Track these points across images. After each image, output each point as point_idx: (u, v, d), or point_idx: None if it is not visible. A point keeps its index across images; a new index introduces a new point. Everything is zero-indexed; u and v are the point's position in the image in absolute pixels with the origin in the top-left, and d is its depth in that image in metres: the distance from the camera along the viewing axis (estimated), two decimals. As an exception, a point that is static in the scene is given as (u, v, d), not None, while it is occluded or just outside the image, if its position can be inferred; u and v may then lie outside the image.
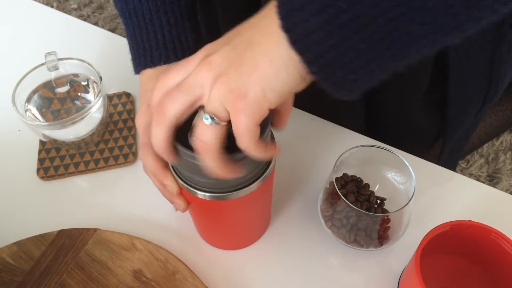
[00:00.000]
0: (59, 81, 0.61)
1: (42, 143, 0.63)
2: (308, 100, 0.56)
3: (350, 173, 0.53)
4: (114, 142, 0.63)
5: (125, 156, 0.61)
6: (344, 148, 0.50)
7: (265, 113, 0.34)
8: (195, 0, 0.54)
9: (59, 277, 0.51)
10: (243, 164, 0.38)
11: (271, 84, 0.33)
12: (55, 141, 0.60)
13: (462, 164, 1.36)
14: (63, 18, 0.79)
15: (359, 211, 0.46)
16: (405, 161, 0.49)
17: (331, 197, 0.49)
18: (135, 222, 0.56)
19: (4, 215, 0.58)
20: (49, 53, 0.59)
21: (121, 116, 0.65)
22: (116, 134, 0.63)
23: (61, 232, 0.54)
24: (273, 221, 0.56)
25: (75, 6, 1.83)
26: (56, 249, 0.52)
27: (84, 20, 1.04)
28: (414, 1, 0.28)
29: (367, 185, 0.53)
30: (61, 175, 0.60)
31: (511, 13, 0.30)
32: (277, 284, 0.52)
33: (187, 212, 0.51)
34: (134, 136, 0.63)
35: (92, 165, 0.61)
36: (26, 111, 0.58)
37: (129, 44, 0.53)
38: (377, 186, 0.54)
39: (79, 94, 0.62)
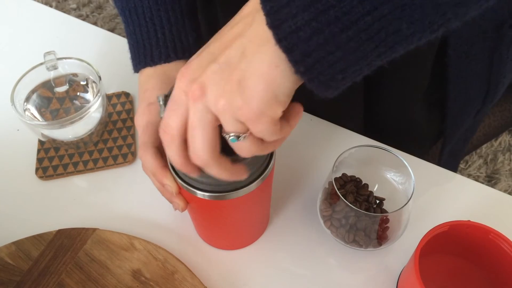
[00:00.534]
0: (58, 80, 0.61)
1: (41, 142, 0.62)
2: (307, 100, 0.56)
3: (349, 173, 0.53)
4: (113, 142, 0.62)
5: (124, 156, 0.61)
6: (343, 148, 0.51)
7: (280, 114, 0.33)
8: None
9: (58, 277, 0.51)
10: (249, 164, 0.39)
11: (280, 89, 0.32)
12: (54, 140, 0.60)
13: (461, 164, 1.36)
14: (62, 18, 0.79)
15: (358, 211, 0.46)
16: (404, 161, 0.49)
17: (330, 197, 0.49)
18: (134, 222, 0.56)
19: (3, 214, 0.58)
20: (48, 53, 0.59)
21: (120, 116, 0.65)
22: (115, 133, 0.63)
23: (60, 232, 0.53)
24: (272, 221, 0.56)
25: (74, 6, 1.83)
26: (55, 248, 0.52)
27: (83, 20, 1.04)
28: None
29: (366, 185, 0.53)
30: (60, 175, 0.60)
31: (510, 13, 0.30)
32: (276, 284, 0.52)
33: (186, 212, 0.51)
34: (133, 136, 0.63)
35: (91, 164, 0.61)
36: (25, 110, 0.58)
37: (129, 42, 0.53)
38: (376, 186, 0.54)
39: (78, 93, 0.61)
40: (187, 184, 0.42)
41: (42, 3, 1.17)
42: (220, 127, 0.35)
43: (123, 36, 0.73)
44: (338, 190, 0.47)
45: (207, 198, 0.42)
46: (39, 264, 0.51)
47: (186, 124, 0.35)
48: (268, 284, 0.52)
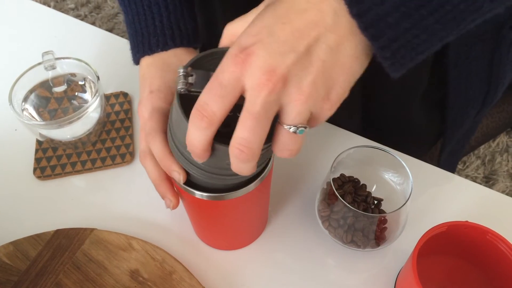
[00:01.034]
0: (56, 80, 0.61)
1: (39, 142, 0.62)
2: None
3: (347, 173, 0.53)
4: (111, 141, 0.62)
5: (122, 156, 0.61)
6: (342, 149, 0.51)
7: None
8: None
9: (56, 277, 0.51)
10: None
11: (355, 79, 0.32)
12: (52, 140, 0.60)
13: (458, 165, 1.36)
14: (60, 18, 0.78)
15: (356, 211, 0.46)
16: (402, 162, 0.49)
17: (328, 197, 0.49)
18: (132, 222, 0.56)
19: (1, 214, 0.57)
20: (46, 53, 0.59)
21: (118, 116, 0.65)
22: (113, 133, 0.63)
23: (58, 232, 0.53)
24: (271, 221, 0.56)
25: (72, 5, 1.82)
26: (53, 249, 0.52)
27: (82, 20, 1.04)
28: None
29: (364, 186, 0.53)
30: (58, 175, 0.60)
31: (510, 14, 0.31)
32: (274, 284, 0.52)
33: (185, 212, 0.51)
34: (131, 136, 0.63)
35: (89, 164, 0.60)
36: (23, 110, 0.58)
37: (128, 33, 0.53)
38: (374, 186, 0.54)
39: (76, 93, 0.61)
40: (186, 184, 0.42)
41: (40, 3, 1.17)
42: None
43: (122, 36, 0.73)
44: (336, 191, 0.47)
45: (205, 199, 0.42)
46: (37, 264, 0.51)
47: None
48: (266, 284, 0.52)
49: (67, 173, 0.60)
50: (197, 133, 0.33)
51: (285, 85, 0.30)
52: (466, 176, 1.33)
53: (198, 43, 0.53)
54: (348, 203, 0.46)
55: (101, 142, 0.62)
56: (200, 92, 0.33)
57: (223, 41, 0.39)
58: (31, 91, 0.60)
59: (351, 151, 0.50)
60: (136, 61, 0.52)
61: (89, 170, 0.60)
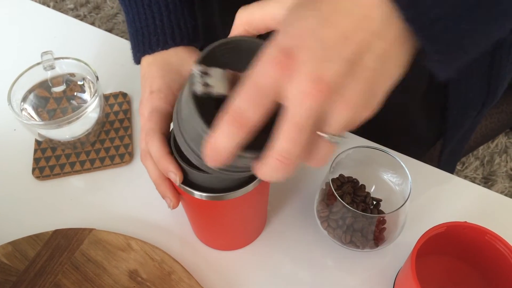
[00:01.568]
0: (55, 80, 0.61)
1: (37, 142, 0.62)
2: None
3: (346, 174, 0.53)
4: (110, 142, 0.62)
5: (121, 156, 0.61)
6: (341, 149, 0.51)
7: None
8: None
9: (54, 277, 0.51)
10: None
11: (394, 83, 0.31)
12: (50, 140, 0.60)
13: (457, 166, 1.36)
14: (59, 18, 0.78)
15: (355, 212, 0.46)
16: (401, 162, 0.49)
17: (327, 198, 0.49)
18: (130, 222, 0.56)
19: (-1, 214, 0.57)
20: (46, 53, 0.59)
21: (117, 116, 0.65)
22: (112, 134, 0.63)
23: (56, 232, 0.53)
24: (270, 222, 0.56)
25: (71, 6, 1.82)
26: (51, 249, 0.52)
27: (81, 20, 1.04)
28: None
29: (363, 186, 0.53)
30: (57, 175, 0.60)
31: None
32: (273, 284, 0.52)
33: (183, 212, 0.51)
34: (131, 136, 0.63)
35: (88, 165, 0.60)
36: (22, 110, 0.58)
37: (129, 32, 0.53)
38: (373, 187, 0.54)
39: (75, 93, 0.61)
40: (185, 184, 0.42)
41: (39, 3, 1.17)
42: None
43: (121, 37, 0.73)
44: (335, 191, 0.47)
45: (204, 199, 0.42)
46: (35, 264, 0.51)
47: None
48: (265, 284, 0.52)
49: (66, 173, 0.60)
50: (226, 140, 0.30)
51: (331, 94, 0.28)
52: (465, 177, 1.33)
53: (198, 42, 0.53)
54: (347, 204, 0.46)
55: (100, 142, 0.62)
56: (221, 95, 0.32)
57: (236, 29, 0.37)
58: (30, 91, 0.60)
59: (350, 151, 0.50)
60: (137, 60, 0.52)
61: (88, 170, 0.60)
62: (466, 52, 0.30)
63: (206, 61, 0.34)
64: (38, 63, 0.59)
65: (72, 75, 0.61)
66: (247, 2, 0.39)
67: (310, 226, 0.55)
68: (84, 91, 0.61)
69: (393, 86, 0.31)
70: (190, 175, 0.41)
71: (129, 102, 0.66)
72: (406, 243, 0.51)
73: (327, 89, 0.28)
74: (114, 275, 0.51)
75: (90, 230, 0.53)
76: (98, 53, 0.73)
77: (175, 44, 0.50)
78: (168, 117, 0.45)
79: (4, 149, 0.63)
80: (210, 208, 0.44)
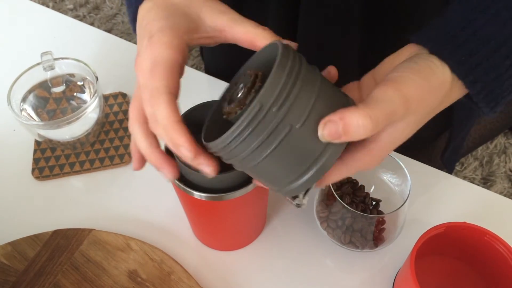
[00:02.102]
0: (55, 81, 0.61)
1: (37, 143, 0.62)
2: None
3: (345, 174, 0.53)
4: (109, 142, 0.62)
5: (121, 157, 0.61)
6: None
7: None
8: None
9: (54, 277, 0.51)
10: None
11: None
12: (50, 141, 0.60)
13: (456, 166, 1.36)
14: (59, 18, 0.78)
15: (354, 212, 0.46)
16: (400, 163, 0.49)
17: (327, 198, 0.49)
18: (130, 222, 0.56)
19: (-1, 215, 0.57)
20: (45, 53, 0.59)
21: (117, 116, 0.65)
22: (111, 134, 0.63)
23: (56, 232, 0.53)
24: (269, 222, 0.56)
25: (71, 6, 1.82)
26: (51, 249, 0.52)
27: (80, 20, 1.04)
28: None
29: (363, 187, 0.53)
30: (56, 175, 0.60)
31: None
32: (272, 285, 0.52)
33: (183, 212, 0.51)
34: (130, 137, 0.63)
35: (87, 165, 0.60)
36: (21, 110, 0.58)
37: None
38: (373, 187, 0.54)
39: (75, 94, 0.61)
40: (184, 184, 0.42)
41: (39, 3, 1.17)
42: None
43: (120, 37, 0.73)
44: (335, 192, 0.47)
45: (204, 199, 0.42)
46: (35, 264, 0.51)
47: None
48: (264, 285, 0.52)
49: (66, 174, 0.60)
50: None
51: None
52: (464, 178, 1.33)
53: None
54: (347, 204, 0.46)
55: (99, 143, 0.62)
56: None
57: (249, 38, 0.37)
58: (29, 92, 0.60)
59: (349, 152, 0.50)
60: (133, 16, 0.43)
61: (88, 170, 0.60)
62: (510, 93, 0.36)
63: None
64: (38, 64, 0.59)
65: (72, 75, 0.61)
66: None
67: (310, 227, 0.55)
68: (83, 92, 0.61)
69: None
70: (189, 176, 0.42)
71: (128, 103, 0.66)
72: (405, 244, 0.51)
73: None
74: (113, 275, 0.51)
75: (90, 230, 0.53)
76: (97, 54, 0.73)
77: None
78: (176, 70, 0.36)
79: (4, 150, 0.63)
80: (210, 209, 0.44)
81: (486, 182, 1.33)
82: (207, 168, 0.35)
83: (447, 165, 0.75)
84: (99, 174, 0.61)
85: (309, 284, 0.52)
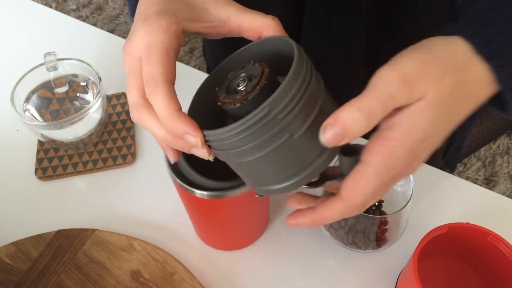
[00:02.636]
0: (58, 81, 0.61)
1: (40, 143, 0.62)
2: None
3: (348, 175, 0.53)
4: (112, 142, 0.63)
5: (124, 157, 0.61)
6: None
7: None
8: None
9: (57, 277, 0.51)
10: None
11: None
12: (53, 141, 0.60)
13: (459, 167, 1.36)
14: (62, 19, 0.79)
15: (357, 213, 0.46)
16: (403, 163, 0.49)
17: (330, 198, 0.49)
18: (133, 222, 0.56)
19: (2, 215, 0.57)
20: (48, 53, 0.59)
21: (119, 116, 0.65)
22: (114, 134, 0.63)
23: (59, 232, 0.53)
24: (272, 221, 0.56)
25: (74, 7, 1.83)
26: (54, 249, 0.52)
27: (83, 21, 1.04)
28: None
29: (365, 187, 0.53)
30: (59, 175, 0.60)
31: None
32: (274, 284, 0.52)
33: (186, 212, 0.51)
34: (133, 137, 0.63)
35: (90, 165, 0.61)
36: (24, 111, 0.58)
37: None
38: (375, 188, 0.54)
39: (78, 94, 0.62)
40: (186, 183, 0.42)
41: (41, 4, 1.18)
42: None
43: (123, 37, 0.73)
44: (337, 192, 0.47)
45: (205, 198, 0.42)
46: (38, 264, 0.51)
47: None
48: (267, 284, 0.52)
49: (69, 174, 0.60)
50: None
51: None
52: (467, 178, 1.33)
53: None
54: (349, 205, 0.46)
55: (102, 143, 0.63)
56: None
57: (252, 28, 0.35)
58: (33, 92, 0.60)
59: (352, 152, 0.50)
60: (133, 11, 0.41)
61: (91, 170, 0.60)
62: None
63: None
64: (41, 64, 0.59)
65: (75, 76, 0.61)
66: None
67: (312, 227, 0.55)
68: (86, 92, 0.62)
69: None
70: (191, 177, 0.42)
71: (131, 103, 0.66)
72: (408, 244, 0.51)
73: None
74: (116, 275, 0.51)
75: (93, 230, 0.53)
76: (100, 54, 0.73)
77: None
78: (172, 56, 0.34)
79: (7, 150, 0.63)
80: (212, 207, 0.44)
81: (489, 182, 1.33)
82: (172, 155, 0.35)
83: (449, 164, 0.75)
84: (102, 174, 0.61)
85: (311, 284, 0.51)
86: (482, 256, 0.48)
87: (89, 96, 0.61)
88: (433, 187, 0.58)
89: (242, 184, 0.41)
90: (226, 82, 0.35)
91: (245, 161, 0.33)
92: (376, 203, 0.52)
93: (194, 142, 0.32)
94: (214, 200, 0.42)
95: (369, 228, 0.48)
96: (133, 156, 0.61)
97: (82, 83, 0.62)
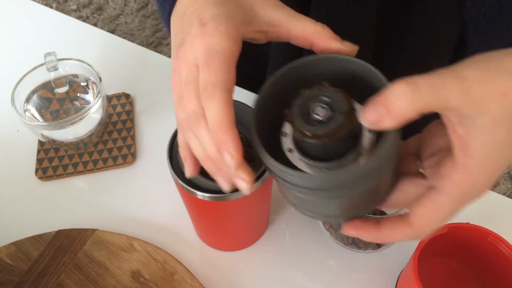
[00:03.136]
0: (59, 81, 0.61)
1: (40, 143, 0.63)
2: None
3: (348, 175, 0.53)
4: (112, 143, 0.63)
5: (124, 157, 0.61)
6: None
7: None
8: None
9: (57, 277, 0.51)
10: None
11: None
12: (54, 141, 0.60)
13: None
14: (62, 19, 0.79)
15: (357, 213, 0.46)
16: (403, 163, 0.49)
17: (330, 199, 0.49)
18: (133, 222, 0.56)
19: (2, 215, 0.58)
20: (49, 54, 0.59)
21: (120, 117, 0.65)
22: (115, 135, 0.63)
23: (59, 233, 0.54)
24: (272, 222, 0.56)
25: (74, 7, 1.83)
26: (54, 249, 0.52)
27: (84, 21, 1.04)
28: None
29: (365, 187, 0.53)
30: (60, 176, 0.60)
31: None
32: (275, 285, 0.52)
33: (186, 212, 0.51)
34: (133, 137, 0.63)
35: (90, 165, 0.61)
36: (25, 111, 0.58)
37: None
38: (375, 188, 0.54)
39: (78, 94, 0.62)
40: (188, 184, 0.42)
41: (42, 4, 1.18)
42: None
43: (123, 38, 0.74)
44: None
45: (207, 199, 0.42)
46: (38, 264, 0.52)
47: None
48: (267, 285, 0.52)
49: (69, 174, 0.60)
50: None
51: None
52: (467, 178, 1.33)
53: None
54: (349, 205, 0.46)
55: (102, 143, 0.63)
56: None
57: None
58: (33, 92, 0.60)
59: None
60: (170, 11, 0.38)
61: (91, 171, 0.60)
62: None
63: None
64: (41, 64, 0.59)
65: (75, 76, 0.61)
66: None
67: (312, 227, 0.55)
68: (87, 92, 0.62)
69: None
70: (193, 178, 0.42)
71: (131, 103, 0.66)
72: (408, 245, 0.51)
73: None
74: (116, 275, 0.51)
75: (93, 230, 0.53)
76: (101, 54, 0.73)
77: None
78: (233, 63, 0.31)
79: (8, 150, 0.63)
80: (213, 209, 0.44)
81: (489, 183, 1.33)
82: (242, 183, 0.31)
83: None
84: (102, 175, 0.61)
85: (312, 284, 0.52)
86: (482, 256, 0.48)
87: (89, 96, 0.61)
88: (433, 187, 0.58)
89: None
90: (298, 102, 0.30)
91: (312, 199, 0.30)
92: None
93: (231, 163, 0.30)
94: (215, 202, 0.42)
95: (369, 228, 0.48)
96: (134, 156, 0.62)
97: (82, 83, 0.62)
